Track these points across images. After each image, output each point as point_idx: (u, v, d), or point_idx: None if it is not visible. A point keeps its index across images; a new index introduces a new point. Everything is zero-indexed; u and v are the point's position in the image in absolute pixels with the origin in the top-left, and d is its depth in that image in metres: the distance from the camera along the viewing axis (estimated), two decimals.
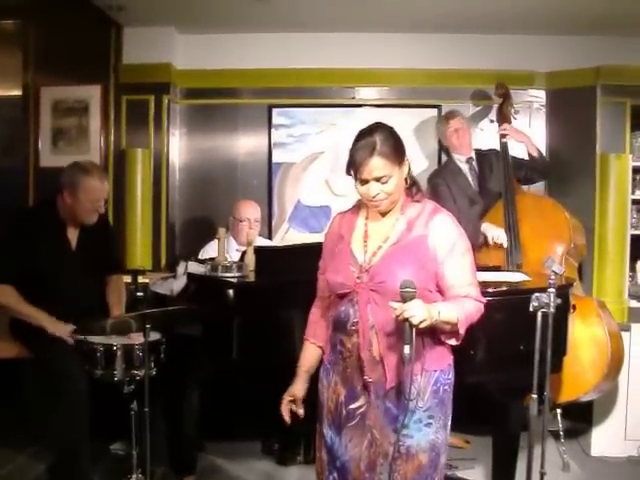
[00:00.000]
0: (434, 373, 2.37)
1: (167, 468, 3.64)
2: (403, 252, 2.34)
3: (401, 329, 2.19)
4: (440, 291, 2.38)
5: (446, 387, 2.40)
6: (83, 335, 3.30)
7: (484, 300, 2.40)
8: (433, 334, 2.33)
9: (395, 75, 5.18)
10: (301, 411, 2.55)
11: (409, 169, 2.41)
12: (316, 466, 2.59)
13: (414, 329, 2.15)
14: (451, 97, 5.16)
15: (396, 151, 2.33)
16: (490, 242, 4.24)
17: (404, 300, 2.16)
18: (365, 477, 2.40)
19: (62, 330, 3.42)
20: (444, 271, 2.34)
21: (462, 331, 2.30)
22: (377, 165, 2.29)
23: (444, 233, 2.35)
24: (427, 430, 2.35)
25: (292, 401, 2.55)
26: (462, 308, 2.30)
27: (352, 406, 2.42)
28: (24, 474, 3.63)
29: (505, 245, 4.22)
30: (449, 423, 2.44)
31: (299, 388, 2.56)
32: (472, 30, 4.98)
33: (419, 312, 2.14)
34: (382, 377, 2.35)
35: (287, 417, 2.53)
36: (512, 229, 4.28)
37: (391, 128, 2.39)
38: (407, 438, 2.33)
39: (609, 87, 4.87)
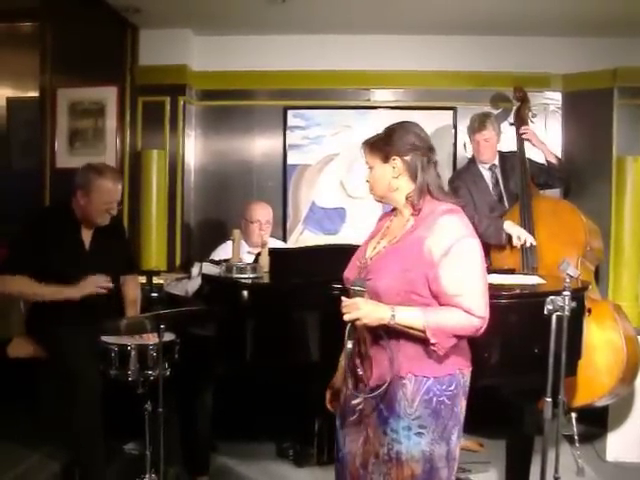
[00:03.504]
0: (425, 380, 2.29)
1: (180, 468, 3.64)
2: (396, 252, 2.33)
3: (388, 329, 2.25)
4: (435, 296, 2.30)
5: (442, 398, 2.30)
6: (98, 335, 3.32)
7: (481, 314, 2.24)
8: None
9: (410, 77, 5.18)
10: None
11: (407, 172, 2.37)
12: None
13: (353, 325, 2.24)
14: (467, 99, 5.15)
15: (381, 145, 2.39)
16: (515, 242, 4.21)
17: (350, 297, 2.25)
18: (360, 473, 2.41)
19: (84, 288, 3.45)
20: (436, 275, 2.24)
21: (434, 340, 2.21)
22: (364, 152, 2.44)
23: (443, 235, 2.26)
24: (418, 440, 2.29)
25: (333, 393, 2.59)
26: (436, 316, 2.23)
27: (353, 402, 2.43)
28: (39, 473, 3.64)
29: (534, 244, 4.20)
30: (453, 437, 2.34)
31: (338, 378, 2.59)
32: (488, 32, 4.97)
33: (352, 310, 2.21)
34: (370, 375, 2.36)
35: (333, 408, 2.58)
36: (529, 232, 4.25)
37: (403, 127, 2.41)
38: (395, 443, 2.30)
39: (626, 89, 4.86)
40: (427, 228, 2.29)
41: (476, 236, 2.34)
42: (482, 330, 2.26)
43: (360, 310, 2.22)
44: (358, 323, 2.24)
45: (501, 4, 4.46)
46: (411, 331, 2.24)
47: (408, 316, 2.23)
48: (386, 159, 2.38)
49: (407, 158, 2.36)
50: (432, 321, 2.22)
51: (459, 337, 2.27)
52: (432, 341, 2.22)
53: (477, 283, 2.27)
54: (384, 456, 2.32)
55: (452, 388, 2.32)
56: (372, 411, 2.37)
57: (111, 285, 3.52)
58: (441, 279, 2.24)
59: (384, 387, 2.29)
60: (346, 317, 2.23)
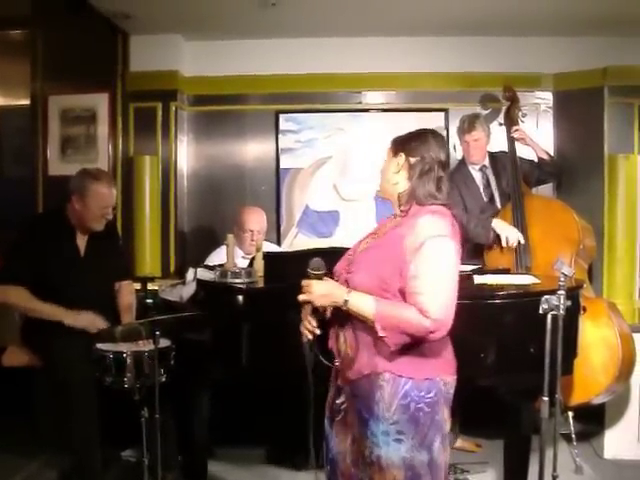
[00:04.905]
0: (403, 382, 2.25)
1: (178, 474, 3.63)
2: (376, 248, 2.36)
3: (366, 325, 2.26)
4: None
5: (420, 405, 2.25)
6: (94, 342, 3.31)
7: (435, 316, 2.16)
8: None
9: (402, 79, 5.18)
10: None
11: (407, 172, 2.39)
12: None
13: (308, 308, 2.34)
14: (458, 100, 5.15)
15: (399, 141, 2.45)
16: (503, 243, 4.20)
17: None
18: (351, 472, 2.41)
19: (80, 320, 3.44)
20: (406, 273, 2.22)
21: (382, 333, 2.19)
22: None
23: (418, 233, 2.23)
24: (397, 446, 2.26)
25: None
26: (388, 309, 2.20)
27: (338, 401, 2.44)
28: None
29: (522, 242, 4.19)
30: (435, 446, 2.30)
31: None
32: (478, 33, 4.98)
33: (307, 290, 2.28)
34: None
35: (311, 331, 2.41)
36: (521, 232, 4.25)
37: (426, 132, 2.45)
38: (375, 447, 2.28)
39: (616, 88, 4.88)
40: (409, 227, 2.29)
41: (454, 238, 2.28)
42: (436, 335, 2.19)
43: (311, 293, 2.28)
44: (315, 304, 2.31)
45: (491, 5, 4.47)
46: (362, 319, 2.25)
47: (361, 303, 2.24)
48: (395, 153, 2.43)
49: (412, 159, 2.38)
50: (382, 312, 2.20)
51: (412, 337, 2.20)
52: (380, 334, 2.20)
53: (439, 284, 2.21)
54: (367, 459, 2.32)
55: (431, 395, 2.28)
56: (353, 411, 2.37)
57: (105, 326, 3.47)
58: (409, 276, 2.22)
59: (361, 377, 2.30)
60: (299, 297, 2.31)
